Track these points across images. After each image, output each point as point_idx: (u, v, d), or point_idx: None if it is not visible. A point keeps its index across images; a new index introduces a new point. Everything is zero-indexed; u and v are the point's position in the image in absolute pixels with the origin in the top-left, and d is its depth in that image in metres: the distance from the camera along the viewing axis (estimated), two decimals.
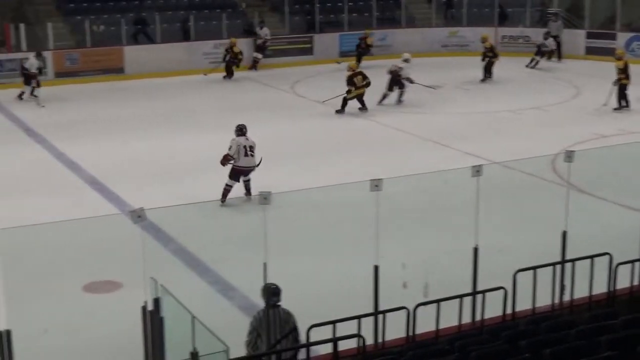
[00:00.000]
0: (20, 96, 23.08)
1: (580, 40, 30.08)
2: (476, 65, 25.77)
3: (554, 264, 9.35)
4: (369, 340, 8.10)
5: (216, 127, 17.92)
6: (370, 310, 8.68)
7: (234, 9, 30.38)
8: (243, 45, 27.41)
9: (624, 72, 21.31)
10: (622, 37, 29.00)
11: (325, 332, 7.85)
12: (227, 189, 14.11)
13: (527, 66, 28.12)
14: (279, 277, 8.05)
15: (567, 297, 9.37)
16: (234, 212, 14.20)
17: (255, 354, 7.82)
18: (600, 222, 13.18)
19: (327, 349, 7.75)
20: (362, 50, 28.58)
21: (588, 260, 9.27)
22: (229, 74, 26.49)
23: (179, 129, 19.82)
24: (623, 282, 9.32)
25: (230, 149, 14.15)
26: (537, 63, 28.17)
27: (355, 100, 21.38)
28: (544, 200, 14.14)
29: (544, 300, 9.21)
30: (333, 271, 11.45)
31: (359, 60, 27.63)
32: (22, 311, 9.31)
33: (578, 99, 23.34)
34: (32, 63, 22.98)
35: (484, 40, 26.29)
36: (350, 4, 31.05)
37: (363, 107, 21.51)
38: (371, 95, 22.00)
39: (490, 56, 25.88)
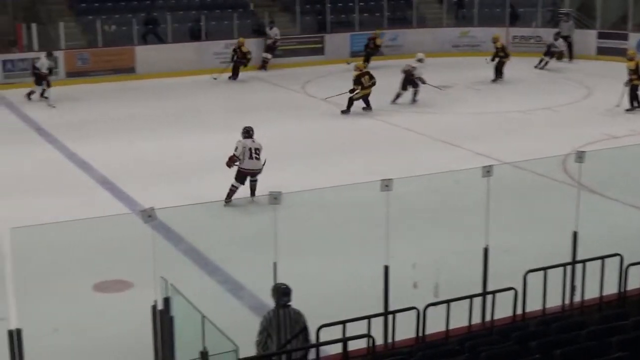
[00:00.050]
0: (29, 95, 23.13)
1: (591, 40, 29.98)
2: (487, 66, 25.71)
3: (564, 265, 9.33)
4: (379, 341, 8.11)
5: (225, 127, 17.93)
6: (380, 310, 8.67)
7: (245, 9, 30.41)
8: (252, 45, 27.40)
9: (635, 73, 21.22)
10: (634, 38, 28.84)
11: (335, 332, 7.85)
12: (232, 190, 14.14)
13: (536, 67, 28.04)
14: (288, 277, 8.06)
15: (577, 298, 9.35)
16: (243, 212, 14.21)
17: (265, 354, 7.82)
18: (611, 223, 13.14)
19: (337, 349, 7.76)
20: (371, 50, 28.54)
21: (598, 261, 9.24)
22: (234, 74, 26.37)
23: (189, 128, 19.85)
24: (634, 282, 9.30)
25: (236, 150, 14.17)
26: (546, 64, 28.06)
27: (360, 99, 21.41)
28: (555, 200, 14.12)
29: (555, 301, 9.19)
30: (343, 271, 11.45)
31: (367, 60, 27.61)
32: (32, 310, 9.32)
33: (589, 100, 23.27)
34: (43, 63, 23.02)
35: (495, 40, 26.24)
36: (361, 4, 31.03)
37: (367, 107, 21.52)
38: (384, 95, 22.01)
39: (501, 56, 25.82)
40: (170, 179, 15.71)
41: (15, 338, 7.22)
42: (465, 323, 8.63)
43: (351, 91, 21.31)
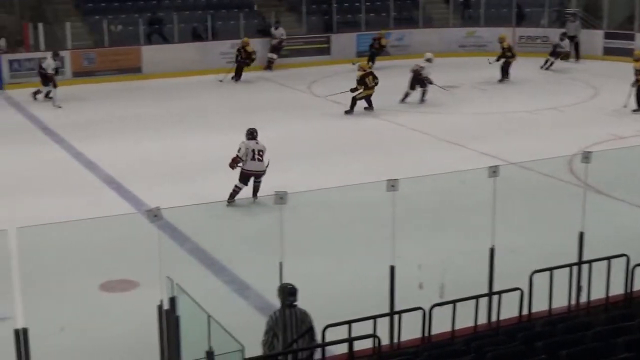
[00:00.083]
0: (35, 94, 23.14)
1: (598, 40, 29.91)
2: (492, 66, 25.68)
3: (570, 265, 9.32)
4: (385, 341, 8.10)
5: (231, 127, 17.90)
6: (386, 310, 8.68)
7: (251, 9, 30.42)
8: (257, 45, 27.32)
9: None
10: None
11: (341, 332, 7.85)
12: (235, 191, 14.16)
13: (541, 67, 27.97)
14: (294, 276, 8.06)
15: (583, 299, 9.34)
16: (249, 212, 14.22)
17: (271, 354, 7.83)
18: (617, 224, 13.12)
19: (342, 349, 7.76)
20: (376, 50, 28.51)
21: (605, 262, 9.23)
22: (237, 75, 26.18)
23: (194, 128, 19.86)
24: None
25: (239, 151, 14.20)
26: (551, 64, 28.00)
27: (362, 99, 21.44)
28: (561, 201, 14.09)
29: (561, 301, 9.18)
30: (349, 271, 11.45)
31: (372, 61, 27.62)
32: (39, 309, 9.33)
33: (596, 100, 23.23)
34: (48, 64, 23.00)
35: (501, 40, 26.19)
36: (367, 4, 31.02)
37: (369, 107, 21.55)
38: (390, 95, 22.00)
39: (508, 56, 25.79)
40: (175, 178, 15.72)
41: (21, 337, 7.24)
42: (471, 323, 8.62)
43: (352, 90, 21.33)
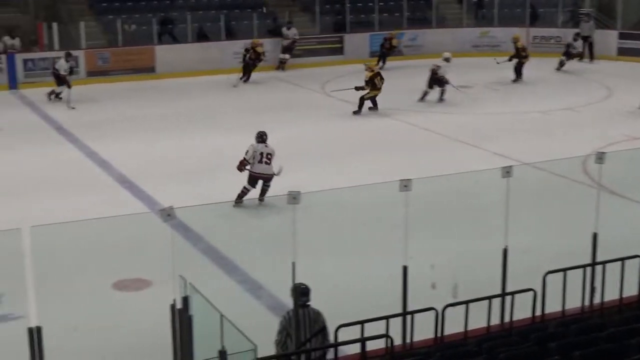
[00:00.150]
0: (49, 95, 23.18)
1: (612, 40, 29.80)
2: (506, 66, 25.63)
3: (584, 266, 9.28)
4: (397, 341, 8.09)
5: (244, 127, 17.91)
6: (399, 310, 8.66)
7: (266, 9, 30.43)
8: (267, 45, 27.25)
9: None
10: None
11: (354, 332, 7.85)
12: (243, 192, 14.19)
13: (556, 69, 27.81)
14: (307, 276, 8.06)
15: (597, 300, 9.30)
16: (262, 212, 14.23)
17: (283, 353, 7.83)
18: (631, 224, 13.05)
19: (355, 349, 7.75)
20: (387, 50, 28.49)
21: (618, 263, 9.19)
22: (246, 75, 26.04)
23: (208, 128, 19.91)
24: None
25: (246, 153, 14.22)
26: (563, 64, 27.84)
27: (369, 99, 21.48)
28: (575, 201, 14.05)
29: (574, 302, 9.15)
30: (361, 271, 11.45)
31: (383, 61, 27.57)
32: (52, 308, 9.37)
33: (609, 100, 23.15)
34: (61, 65, 23.03)
35: (515, 40, 26.11)
36: (380, 4, 31.01)
37: (374, 107, 21.56)
38: (403, 95, 21.97)
39: (522, 56, 25.72)
40: (189, 178, 15.75)
41: (35, 336, 7.26)
42: (484, 324, 8.60)
43: (357, 88, 21.33)
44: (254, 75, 26.26)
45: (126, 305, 10.69)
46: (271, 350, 7.82)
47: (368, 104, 21.47)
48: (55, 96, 23.10)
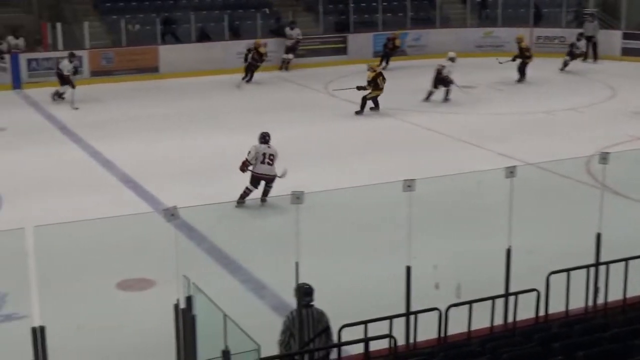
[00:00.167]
0: (53, 96, 23.17)
1: (616, 41, 29.79)
2: (510, 66, 25.61)
3: (587, 266, 9.27)
4: (401, 341, 8.09)
5: (247, 127, 17.93)
6: (402, 310, 8.66)
7: (269, 9, 30.43)
8: (270, 45, 27.23)
9: None
10: None
11: (357, 332, 7.85)
12: (245, 192, 14.20)
13: (560, 69, 27.77)
14: (310, 276, 8.06)
15: (601, 300, 9.29)
16: (265, 212, 14.23)
17: (287, 353, 7.83)
18: (635, 225, 13.04)
19: (358, 349, 7.76)
20: (389, 50, 28.46)
21: (622, 263, 9.18)
22: (248, 75, 25.96)
23: (212, 128, 19.93)
24: None
25: (249, 154, 14.23)
26: (567, 65, 27.79)
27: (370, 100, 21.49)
28: (578, 202, 14.05)
29: (578, 302, 9.14)
30: (365, 271, 11.44)
31: (386, 61, 27.54)
32: (56, 308, 9.38)
33: (613, 100, 23.13)
34: (64, 65, 23.02)
35: (519, 40, 26.09)
36: (384, 4, 31.01)
37: (376, 107, 21.58)
38: (408, 94, 21.94)
39: (526, 56, 25.70)
40: (192, 178, 15.75)
41: (38, 335, 7.27)
42: (487, 324, 8.60)
43: (359, 88, 21.34)
44: (257, 75, 26.23)
45: (130, 305, 10.70)
46: (274, 350, 7.82)
47: (370, 104, 21.48)
48: (59, 96, 23.11)
